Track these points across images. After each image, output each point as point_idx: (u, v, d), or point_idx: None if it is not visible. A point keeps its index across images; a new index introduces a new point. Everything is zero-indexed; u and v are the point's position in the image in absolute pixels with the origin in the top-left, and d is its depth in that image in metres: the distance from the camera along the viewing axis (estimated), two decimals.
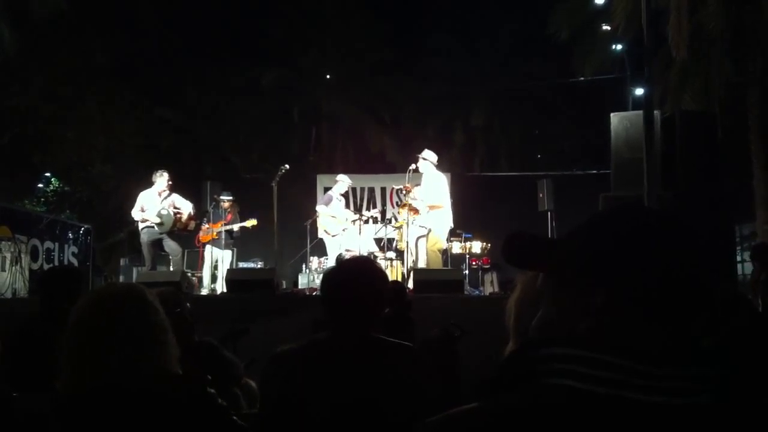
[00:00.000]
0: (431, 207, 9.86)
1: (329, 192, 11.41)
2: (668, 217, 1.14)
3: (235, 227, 11.24)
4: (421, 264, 9.96)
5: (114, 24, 16.39)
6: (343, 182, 11.60)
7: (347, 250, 11.82)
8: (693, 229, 1.11)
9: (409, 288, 7.93)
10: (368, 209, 16.51)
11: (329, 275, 2.75)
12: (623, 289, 1.08)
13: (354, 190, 17.64)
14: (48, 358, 2.91)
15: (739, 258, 12.60)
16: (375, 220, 14.71)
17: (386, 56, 19.21)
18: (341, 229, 11.32)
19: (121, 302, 2.10)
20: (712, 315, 1.12)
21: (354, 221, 11.78)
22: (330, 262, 11.36)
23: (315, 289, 11.16)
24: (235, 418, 2.25)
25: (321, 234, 11.31)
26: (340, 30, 19.22)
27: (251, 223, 11.16)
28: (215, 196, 11.65)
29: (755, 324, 2.98)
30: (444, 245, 10.18)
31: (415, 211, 10.15)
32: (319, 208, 11.16)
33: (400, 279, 9.68)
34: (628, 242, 1.10)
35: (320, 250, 12.08)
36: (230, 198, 11.44)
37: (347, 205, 12.16)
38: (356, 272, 2.67)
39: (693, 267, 1.09)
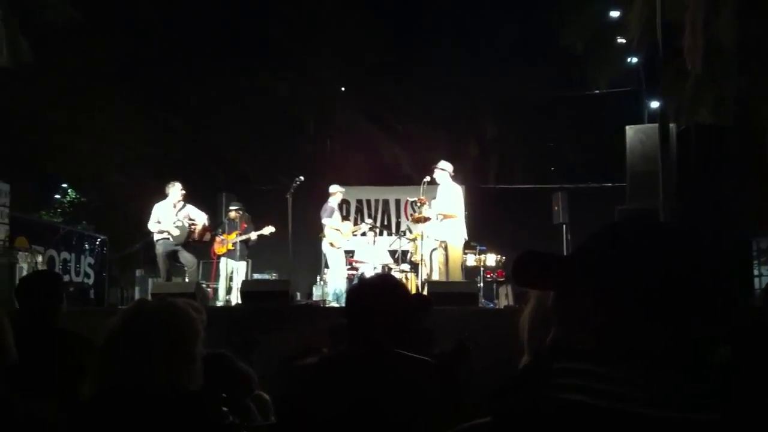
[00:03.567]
0: (445, 216, 9.86)
1: (328, 204, 11.35)
2: (671, 224, 1.15)
3: (253, 236, 11.27)
4: (436, 276, 9.95)
5: (131, 35, 16.51)
6: (339, 193, 11.58)
7: (357, 261, 11.82)
8: (696, 235, 1.12)
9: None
10: (378, 219, 16.55)
11: (352, 291, 2.80)
12: (624, 290, 1.09)
13: (368, 202, 17.68)
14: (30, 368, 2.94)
15: (756, 272, 12.50)
16: (389, 232, 14.71)
17: (401, 69, 19.25)
18: (345, 241, 11.32)
19: (155, 317, 2.12)
20: (723, 323, 1.11)
21: (355, 233, 11.79)
22: (333, 274, 11.34)
23: (324, 301, 11.20)
24: None
25: (325, 247, 11.26)
26: (354, 42, 19.26)
27: (270, 230, 11.18)
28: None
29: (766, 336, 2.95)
30: (462, 258, 10.18)
31: (426, 219, 10.16)
32: (326, 221, 11.15)
33: (414, 291, 9.66)
34: (629, 247, 1.11)
35: None
36: (236, 208, 11.48)
37: (346, 217, 12.12)
38: (378, 288, 2.71)
39: (695, 269, 1.10)
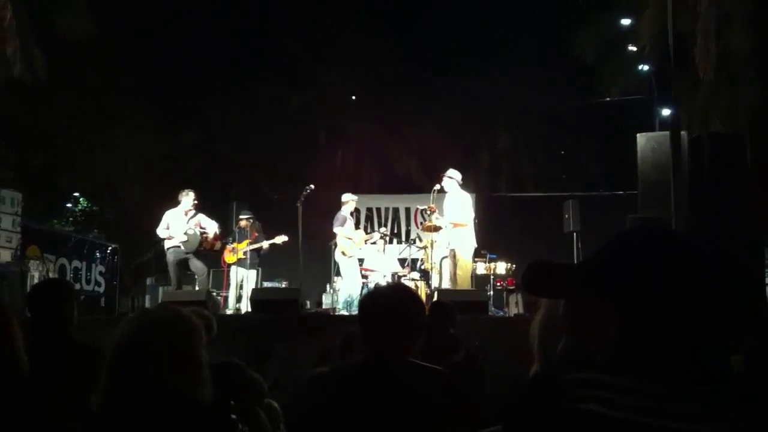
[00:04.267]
0: (455, 224, 9.85)
1: (341, 213, 11.37)
2: (675, 232, 1.16)
3: (265, 245, 11.30)
4: (445, 284, 9.93)
5: (143, 48, 16.62)
6: (351, 201, 11.58)
7: (367, 270, 11.81)
8: (698, 242, 1.12)
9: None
10: (387, 227, 16.52)
11: (365, 300, 2.80)
12: (627, 297, 1.09)
13: (378, 210, 17.67)
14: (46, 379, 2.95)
15: None
16: (399, 240, 14.70)
17: (412, 78, 19.27)
18: (358, 249, 11.31)
19: (161, 326, 2.12)
20: (724, 330, 1.11)
21: (367, 241, 11.77)
22: (345, 282, 11.35)
23: (335, 309, 11.20)
24: None
25: (337, 256, 11.28)
26: (365, 52, 19.30)
27: (282, 239, 11.19)
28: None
29: None
30: (471, 266, 10.15)
31: (437, 228, 10.14)
32: (337, 229, 11.16)
33: (424, 299, 9.63)
34: (632, 255, 1.12)
35: None
36: (247, 217, 11.51)
37: (357, 225, 12.11)
38: (393, 298, 2.70)
39: (695, 275, 1.09)
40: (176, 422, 2.06)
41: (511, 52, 18.62)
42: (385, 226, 16.95)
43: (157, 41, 16.71)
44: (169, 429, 2.05)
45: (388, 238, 12.38)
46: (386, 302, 2.66)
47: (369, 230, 14.71)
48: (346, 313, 10.23)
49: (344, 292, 11.24)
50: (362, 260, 12.30)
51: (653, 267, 1.10)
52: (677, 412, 1.01)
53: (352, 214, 11.70)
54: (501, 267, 11.13)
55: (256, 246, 11.30)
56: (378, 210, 17.68)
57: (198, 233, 10.29)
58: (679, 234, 1.16)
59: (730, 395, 1.05)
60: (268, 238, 11.42)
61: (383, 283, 10.91)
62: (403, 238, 15.92)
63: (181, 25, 16.58)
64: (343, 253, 11.17)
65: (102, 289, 12.56)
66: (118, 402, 2.04)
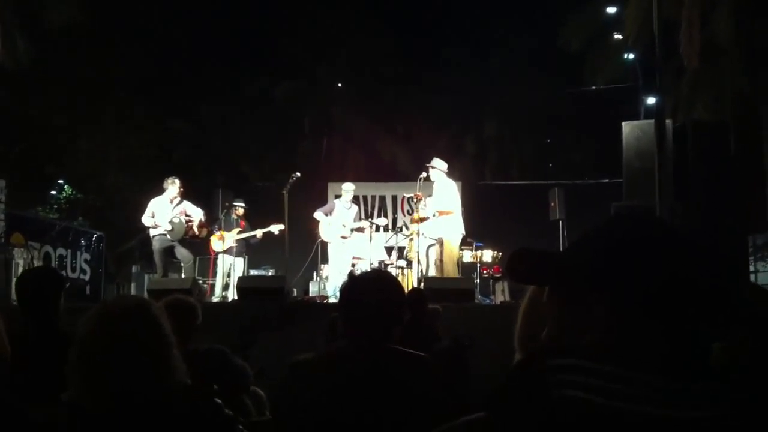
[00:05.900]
0: (441, 213, 9.88)
1: (334, 200, 11.44)
2: (661, 222, 1.15)
3: (259, 234, 11.28)
4: (431, 273, 9.95)
5: (129, 36, 16.50)
6: (347, 191, 11.59)
7: (355, 258, 11.82)
8: (693, 232, 1.13)
9: None
10: (378, 217, 16.53)
11: (347, 286, 2.80)
12: (623, 289, 1.09)
13: (365, 198, 17.63)
14: (35, 369, 2.92)
15: (752, 268, 12.52)
16: (386, 228, 14.68)
17: (398, 67, 19.23)
18: (338, 236, 11.27)
19: (128, 314, 2.11)
20: (721, 321, 1.12)
21: (353, 229, 11.76)
22: (330, 268, 11.36)
23: (326, 297, 11.21)
24: (241, 427, 2.25)
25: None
26: (352, 42, 19.26)
27: (278, 227, 11.10)
28: (227, 203, 11.69)
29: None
30: (458, 254, 10.18)
31: (424, 220, 10.16)
32: (316, 214, 11.20)
33: (410, 287, 9.66)
34: (625, 248, 1.12)
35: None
36: (244, 206, 11.52)
37: (359, 213, 12.10)
38: (374, 284, 2.70)
39: (692, 266, 1.10)
40: (165, 408, 2.05)
41: (499, 42, 18.63)
42: (372, 214, 16.94)
43: (144, 31, 16.60)
44: (158, 416, 2.04)
45: (375, 226, 12.36)
46: (368, 288, 2.67)
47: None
48: (334, 301, 10.23)
49: (332, 279, 11.29)
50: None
51: (650, 259, 1.10)
52: (668, 399, 1.02)
53: (354, 202, 11.74)
54: (487, 255, 11.15)
55: (249, 234, 11.30)
56: (364, 198, 17.66)
57: (183, 221, 10.25)
58: (672, 224, 1.16)
59: (729, 385, 1.06)
60: (255, 227, 11.40)
61: (366, 270, 10.94)
62: (390, 226, 15.92)
63: (170, 14, 16.47)
64: (323, 240, 11.25)
65: (87, 277, 12.50)
66: (113, 399, 2.03)
